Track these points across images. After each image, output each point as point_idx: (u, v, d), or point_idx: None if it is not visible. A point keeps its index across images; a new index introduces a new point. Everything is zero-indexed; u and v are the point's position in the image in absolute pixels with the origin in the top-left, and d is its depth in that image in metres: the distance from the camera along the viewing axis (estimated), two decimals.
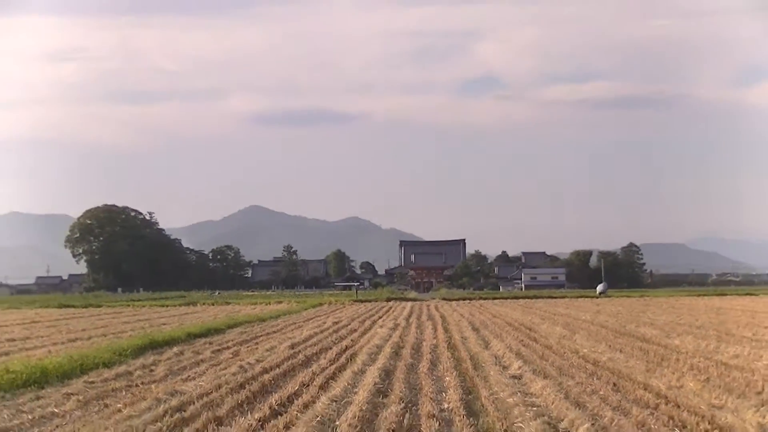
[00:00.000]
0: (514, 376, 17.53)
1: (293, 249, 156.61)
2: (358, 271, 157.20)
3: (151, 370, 19.88)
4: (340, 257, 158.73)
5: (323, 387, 16.61)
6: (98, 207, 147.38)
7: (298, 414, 13.41)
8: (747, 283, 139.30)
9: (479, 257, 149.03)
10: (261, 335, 31.20)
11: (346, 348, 24.95)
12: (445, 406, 14.14)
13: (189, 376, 18.77)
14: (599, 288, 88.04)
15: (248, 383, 17.05)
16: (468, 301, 72.43)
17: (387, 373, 18.43)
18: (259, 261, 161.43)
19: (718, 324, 32.94)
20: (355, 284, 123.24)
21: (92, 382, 17.79)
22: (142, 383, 17.68)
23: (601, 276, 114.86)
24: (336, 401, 14.51)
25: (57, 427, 12.92)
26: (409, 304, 65.72)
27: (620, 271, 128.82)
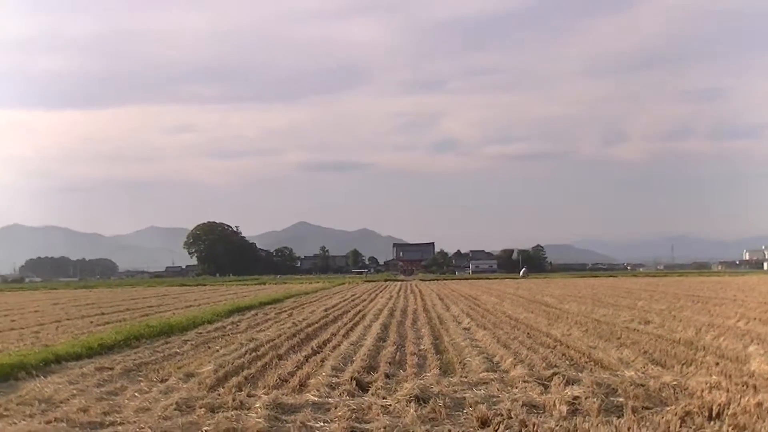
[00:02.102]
0: (465, 328, 17.46)
1: (326, 249, 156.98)
2: (367, 263, 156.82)
3: (237, 325, 19.78)
4: (356, 254, 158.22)
5: (345, 335, 16.53)
6: (204, 223, 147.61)
7: (329, 353, 13.35)
8: (611, 269, 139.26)
9: (443, 253, 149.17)
10: (306, 303, 31.11)
11: (359, 311, 24.88)
12: (422, 347, 14.07)
13: (261, 328, 18.68)
14: (522, 272, 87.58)
15: (298, 333, 16.95)
16: (436, 281, 72.25)
17: (385, 327, 18.34)
18: (305, 257, 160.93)
19: (593, 295, 32.86)
20: (365, 271, 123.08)
21: (200, 333, 17.71)
22: (231, 333, 17.58)
23: (519, 266, 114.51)
24: (353, 344, 14.44)
25: (178, 360, 12.85)
26: (399, 283, 65.51)
27: (531, 262, 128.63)
